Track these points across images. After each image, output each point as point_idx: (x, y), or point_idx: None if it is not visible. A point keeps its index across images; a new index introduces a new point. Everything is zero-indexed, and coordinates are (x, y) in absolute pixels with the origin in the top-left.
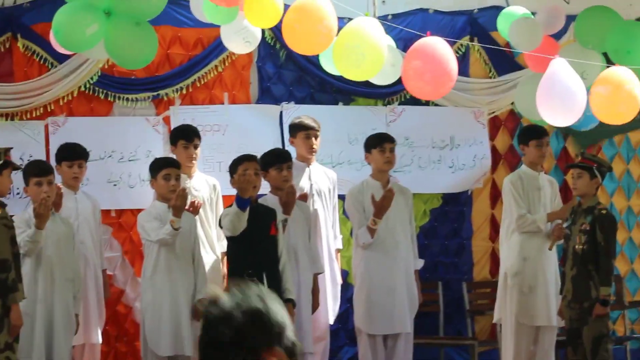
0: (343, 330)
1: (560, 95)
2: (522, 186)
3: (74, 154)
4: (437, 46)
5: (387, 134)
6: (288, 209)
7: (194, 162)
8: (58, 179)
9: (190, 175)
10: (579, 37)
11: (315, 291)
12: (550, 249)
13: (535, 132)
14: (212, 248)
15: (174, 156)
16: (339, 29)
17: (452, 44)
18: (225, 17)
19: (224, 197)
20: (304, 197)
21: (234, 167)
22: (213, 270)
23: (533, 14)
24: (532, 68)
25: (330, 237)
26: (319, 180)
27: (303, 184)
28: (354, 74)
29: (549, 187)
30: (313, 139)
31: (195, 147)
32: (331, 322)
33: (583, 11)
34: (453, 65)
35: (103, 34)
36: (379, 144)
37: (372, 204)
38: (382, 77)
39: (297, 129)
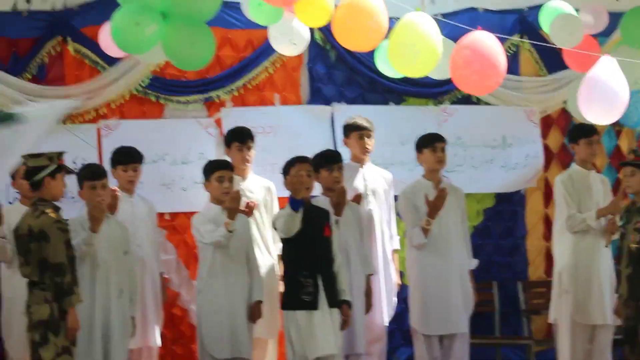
0: (399, 331)
1: (602, 93)
2: (573, 185)
3: (129, 157)
4: (488, 39)
5: (438, 133)
6: (339, 210)
7: (247, 164)
8: (112, 182)
9: (244, 177)
10: (625, 36)
11: (368, 292)
12: (606, 245)
13: (585, 131)
14: (268, 250)
15: (228, 158)
16: (389, 29)
17: (503, 41)
18: (270, 17)
19: (278, 198)
20: (358, 198)
21: (287, 169)
22: (268, 272)
23: (577, 10)
24: (571, 66)
25: (386, 237)
26: (374, 180)
27: (357, 184)
28: (411, 71)
29: (600, 185)
30: (366, 139)
31: (249, 149)
32: (386, 323)
33: (629, 11)
34: (502, 60)
35: (160, 36)
36: (430, 143)
37: (426, 204)
38: (439, 72)
39: (351, 129)
